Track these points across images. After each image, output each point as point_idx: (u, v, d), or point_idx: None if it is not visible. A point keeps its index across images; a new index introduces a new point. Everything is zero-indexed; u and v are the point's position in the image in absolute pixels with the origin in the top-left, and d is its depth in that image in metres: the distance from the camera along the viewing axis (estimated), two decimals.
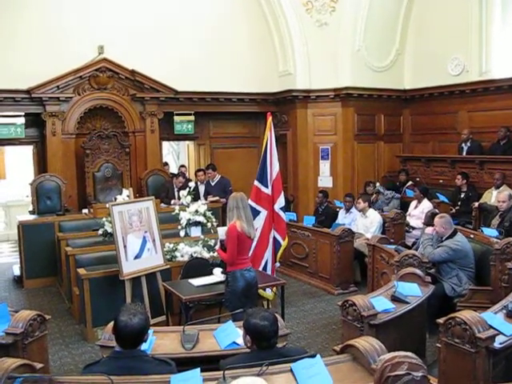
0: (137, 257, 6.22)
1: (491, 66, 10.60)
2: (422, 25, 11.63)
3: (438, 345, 3.93)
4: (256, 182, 7.10)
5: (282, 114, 12.07)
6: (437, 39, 11.23)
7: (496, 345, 3.65)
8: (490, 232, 7.12)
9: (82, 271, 6.46)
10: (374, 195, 10.18)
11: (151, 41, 10.66)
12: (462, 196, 9.56)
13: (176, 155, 15.33)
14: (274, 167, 7.15)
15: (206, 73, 11.12)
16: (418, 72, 11.85)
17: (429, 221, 7.20)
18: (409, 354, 2.45)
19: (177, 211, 7.71)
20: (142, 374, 3.01)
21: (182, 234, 7.49)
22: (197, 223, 7.61)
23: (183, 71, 10.87)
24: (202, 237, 7.37)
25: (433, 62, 11.32)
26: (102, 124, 10.72)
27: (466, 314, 3.74)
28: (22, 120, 10.08)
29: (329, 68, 11.25)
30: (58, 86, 9.98)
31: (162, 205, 9.22)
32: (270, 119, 7.24)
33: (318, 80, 11.37)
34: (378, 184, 10.82)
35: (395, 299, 4.87)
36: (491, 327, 3.73)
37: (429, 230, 6.78)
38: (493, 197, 8.97)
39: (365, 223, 8.98)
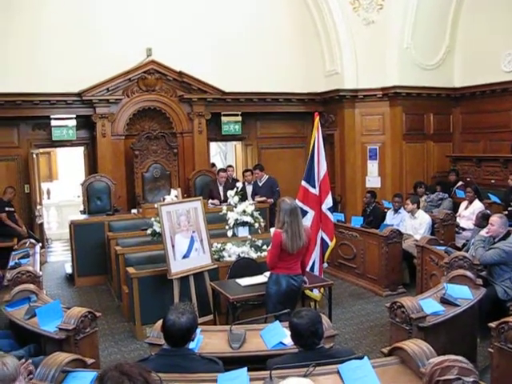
0: (185, 256, 6.29)
1: None
2: (473, 21, 11.36)
3: (490, 350, 3.85)
4: (303, 183, 7.07)
5: (329, 114, 12.00)
6: (488, 35, 10.96)
7: None
8: None
9: (131, 270, 6.58)
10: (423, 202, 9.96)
11: (198, 42, 10.78)
12: None
13: (223, 156, 15.44)
14: (321, 167, 7.10)
15: (252, 73, 11.17)
16: (468, 69, 11.59)
17: (480, 222, 7.03)
18: (459, 357, 2.40)
19: (224, 211, 7.76)
20: (190, 372, 3.06)
21: (230, 234, 7.54)
22: (244, 223, 7.64)
23: (230, 72, 10.96)
24: (250, 237, 7.40)
25: (484, 58, 11.06)
26: (151, 125, 10.88)
27: None
28: (74, 122, 10.33)
29: (376, 67, 11.12)
30: (107, 89, 10.19)
31: (210, 205, 9.28)
32: (317, 119, 7.20)
33: (366, 79, 11.27)
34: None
35: (445, 302, 4.78)
36: None
37: (482, 232, 6.61)
38: None
39: (413, 224, 8.85)
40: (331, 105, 11.96)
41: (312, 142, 7.13)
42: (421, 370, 2.94)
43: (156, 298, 6.32)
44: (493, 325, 3.80)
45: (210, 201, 9.63)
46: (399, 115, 11.41)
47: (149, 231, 7.31)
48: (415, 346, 3.15)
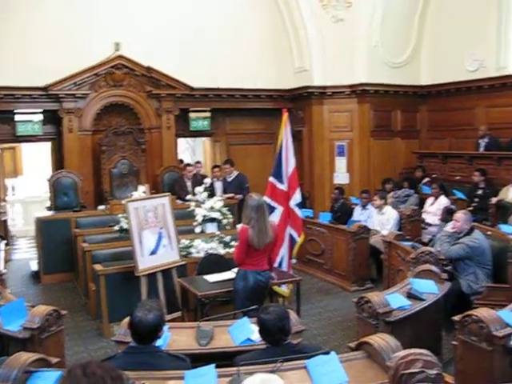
0: (152, 253, 6.24)
1: (509, 62, 10.47)
2: (439, 20, 11.55)
3: (454, 342, 3.91)
4: (271, 179, 7.08)
5: (298, 111, 12.04)
6: (454, 35, 11.15)
7: None
8: (508, 229, 7.04)
9: (98, 267, 6.51)
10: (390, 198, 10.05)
11: (167, 37, 10.67)
12: (479, 192, 9.46)
13: (192, 152, 15.37)
14: (289, 163, 7.13)
15: (221, 69, 11.14)
16: (434, 68, 11.77)
17: (446, 217, 7.14)
18: (423, 351, 2.43)
19: (192, 207, 7.73)
20: (157, 369, 3.04)
21: (198, 230, 7.52)
22: (212, 220, 7.62)
23: (199, 68, 10.88)
24: (218, 233, 7.39)
25: (450, 57, 11.24)
26: (118, 121, 10.74)
27: (482, 312, 3.71)
28: (40, 117, 10.14)
29: (345, 64, 11.19)
30: (74, 83, 10.04)
31: (178, 201, 9.23)
32: (285, 115, 7.22)
33: (334, 76, 11.31)
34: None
35: (411, 296, 4.84)
36: (508, 325, 3.70)
37: (448, 227, 6.72)
38: (510, 193, 8.88)
39: (381, 220, 8.93)
40: (300, 101, 12.00)
41: (280, 138, 7.15)
42: (387, 364, 2.97)
43: (123, 295, 6.24)
44: (457, 318, 3.86)
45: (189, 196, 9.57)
46: (367, 112, 11.51)
47: (116, 228, 7.25)
48: (382, 340, 3.18)
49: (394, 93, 11.68)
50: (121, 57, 10.33)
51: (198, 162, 11.51)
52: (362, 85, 11.21)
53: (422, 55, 11.95)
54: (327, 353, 3.10)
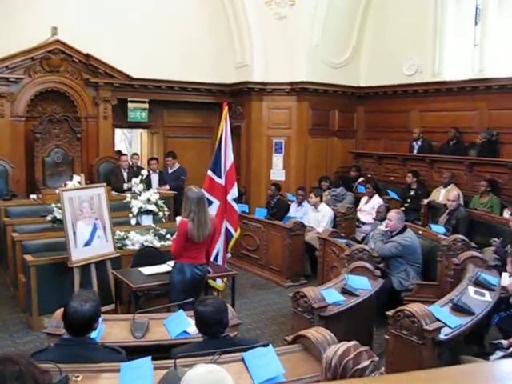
0: (86, 244, 6.11)
1: (443, 68, 10.83)
2: (380, 23, 11.80)
3: (387, 336, 4.01)
4: (209, 172, 7.05)
5: (237, 106, 12.01)
6: (393, 39, 11.41)
7: (442, 336, 3.75)
8: (438, 229, 7.30)
9: (28, 258, 6.28)
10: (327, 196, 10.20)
11: (107, 25, 10.35)
12: (412, 193, 9.75)
13: (128, 143, 15.10)
14: (228, 158, 7.12)
15: (162, 61, 10.90)
16: (373, 70, 12.01)
17: (381, 216, 7.32)
18: (354, 342, 2.48)
19: (128, 199, 7.60)
20: (91, 361, 2.97)
21: (133, 222, 7.40)
22: (148, 212, 7.52)
23: (139, 58, 10.62)
24: (154, 226, 7.30)
25: (388, 60, 11.49)
26: (54, 108, 10.39)
27: (414, 307, 3.82)
28: None
29: (286, 62, 11.23)
30: (7, 67, 9.63)
31: (113, 192, 9.06)
32: (225, 109, 7.20)
33: (275, 73, 11.35)
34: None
35: (345, 292, 4.94)
36: (438, 320, 3.83)
37: (381, 226, 6.89)
38: (441, 195, 9.19)
39: (316, 217, 9.05)
40: (239, 97, 11.99)
41: (220, 132, 7.12)
42: (323, 357, 3.02)
43: (55, 287, 6.06)
44: (390, 313, 3.96)
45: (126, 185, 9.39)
46: (306, 110, 11.62)
47: (49, 218, 7.03)
48: (318, 333, 3.22)
49: (332, 92, 11.84)
50: (58, 42, 9.98)
51: (134, 154, 11.31)
52: (301, 83, 11.29)
53: (362, 57, 12.16)
54: (265, 345, 3.11)
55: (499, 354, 4.21)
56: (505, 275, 5.45)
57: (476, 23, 10.44)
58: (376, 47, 11.88)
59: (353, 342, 2.52)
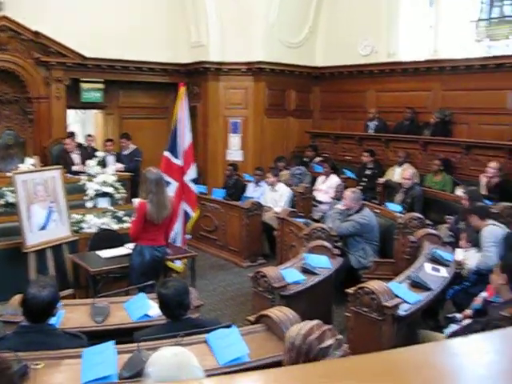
0: (42, 228, 5.96)
1: (398, 49, 10.92)
2: (335, 3, 11.79)
3: (347, 314, 4.07)
4: (166, 153, 6.98)
5: (193, 86, 11.85)
6: (349, 19, 11.42)
7: (401, 312, 3.83)
8: (394, 207, 7.43)
9: None
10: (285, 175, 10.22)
11: (58, 2, 10.07)
12: (368, 172, 9.86)
13: (82, 124, 14.77)
14: (185, 138, 7.06)
15: (116, 40, 10.58)
16: (329, 50, 12.03)
17: (340, 195, 7.39)
18: (317, 322, 2.50)
19: (84, 181, 7.46)
20: (52, 348, 2.92)
21: (89, 205, 7.27)
22: (105, 194, 7.40)
23: (93, 37, 10.25)
24: (111, 208, 7.19)
25: (344, 41, 11.51)
26: (3, 88, 10.00)
27: (373, 284, 3.88)
28: None
29: (242, 41, 11.14)
30: None
31: (68, 175, 8.86)
32: (182, 89, 7.12)
33: (231, 53, 11.25)
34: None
35: (305, 271, 4.98)
36: (396, 296, 3.91)
37: (339, 205, 6.96)
38: (396, 174, 9.34)
39: (274, 197, 9.07)
40: (196, 77, 11.85)
41: (176, 113, 7.04)
42: (286, 336, 3.04)
43: (9, 273, 5.85)
44: (350, 291, 4.02)
45: (76, 168, 9.10)
46: (262, 90, 11.59)
47: (1, 201, 6.83)
48: (280, 313, 3.25)
49: (289, 72, 11.82)
50: (5, 18, 9.55)
51: (89, 135, 11.08)
52: (258, 63, 11.23)
53: (318, 37, 12.15)
54: (228, 326, 3.12)
55: (454, 327, 4.33)
56: (458, 250, 5.60)
57: (431, 5, 10.57)
58: (332, 27, 11.88)
59: (316, 321, 2.53)
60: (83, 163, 8.53)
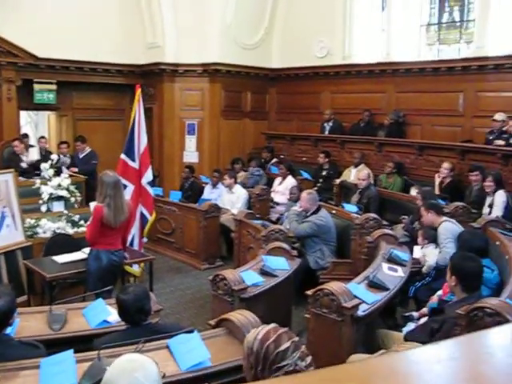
0: None
1: (353, 51, 11.12)
2: (291, 5, 11.89)
3: (307, 315, 4.09)
4: (123, 156, 6.88)
5: (149, 87, 11.75)
6: (304, 21, 11.52)
7: (359, 313, 3.88)
8: (351, 208, 7.52)
9: None
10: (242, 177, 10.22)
11: (11, 1, 9.81)
12: (324, 173, 9.97)
13: (34, 126, 14.46)
14: (142, 141, 6.98)
15: (70, 40, 10.37)
16: (285, 52, 12.11)
17: (295, 197, 7.43)
18: (274, 325, 2.51)
19: (38, 185, 7.29)
20: (8, 359, 2.82)
21: (44, 209, 7.10)
22: (59, 198, 7.24)
23: (45, 37, 10.03)
24: (66, 212, 7.04)
25: (300, 42, 11.61)
26: None
27: (333, 286, 3.92)
28: None
29: (198, 43, 11.09)
30: None
31: (21, 178, 8.66)
32: (138, 91, 7.04)
33: (187, 54, 11.19)
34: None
35: (264, 273, 4.99)
36: (355, 297, 3.96)
37: (295, 206, 7.00)
38: (352, 175, 9.46)
39: (231, 199, 9.07)
40: (151, 78, 11.75)
41: (133, 115, 6.97)
42: (244, 342, 3.04)
43: None
44: (309, 292, 4.04)
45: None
46: (218, 92, 11.58)
47: None
48: (241, 316, 3.24)
49: (245, 74, 11.85)
50: None
51: (42, 137, 10.86)
52: (214, 64, 11.22)
53: (274, 38, 12.22)
54: (190, 331, 3.10)
55: (411, 325, 4.42)
56: (416, 248, 5.72)
57: (383, 9, 10.78)
58: (288, 29, 11.97)
59: (272, 325, 2.54)
60: (34, 166, 8.33)
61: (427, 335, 3.49)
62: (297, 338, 2.52)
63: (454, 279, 3.70)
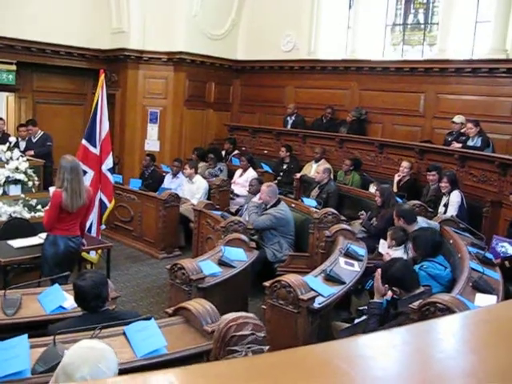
0: None
1: (319, 47, 11.21)
2: None
3: (264, 306, 4.14)
4: (84, 141, 6.81)
5: (112, 73, 11.60)
6: (272, 14, 11.55)
7: (316, 305, 3.94)
8: (310, 202, 7.59)
9: None
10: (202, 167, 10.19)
11: None
12: (285, 167, 10.04)
13: None
14: (103, 127, 6.92)
15: (33, 20, 10.13)
16: (251, 44, 12.12)
17: (254, 189, 7.46)
18: (251, 315, 2.55)
19: None
20: None
21: (0, 192, 6.97)
22: (16, 181, 7.11)
23: (6, 15, 9.82)
24: (23, 196, 6.92)
25: (266, 36, 11.64)
26: None
27: (290, 278, 3.97)
28: None
29: (164, 30, 11.01)
30: None
31: None
32: (102, 76, 6.96)
33: (152, 41, 11.10)
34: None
35: (222, 263, 5.02)
36: (312, 289, 4.02)
37: (255, 198, 7.04)
38: (313, 169, 9.54)
39: (191, 189, 9.04)
40: (115, 64, 11.59)
41: (95, 100, 6.89)
42: (204, 328, 3.07)
43: None
44: (267, 284, 4.09)
45: None
46: (182, 81, 11.52)
47: None
48: (199, 305, 3.26)
49: (210, 64, 11.82)
50: None
51: None
52: (179, 53, 11.15)
53: (241, 30, 12.22)
54: (147, 319, 3.10)
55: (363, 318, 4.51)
56: (383, 242, 5.77)
57: (350, 7, 10.89)
58: (255, 22, 11.96)
59: (248, 314, 2.59)
60: None
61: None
62: (262, 334, 2.56)
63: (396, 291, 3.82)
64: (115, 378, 1.93)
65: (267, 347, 2.43)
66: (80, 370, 2.01)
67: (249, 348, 2.45)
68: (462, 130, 8.37)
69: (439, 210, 7.07)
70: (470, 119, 8.18)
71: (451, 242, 5.27)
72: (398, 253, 5.58)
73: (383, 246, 5.75)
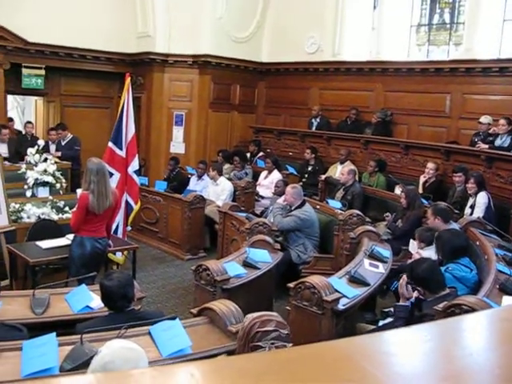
0: None
1: (343, 49, 11.16)
2: (284, 0, 11.89)
3: (288, 308, 4.15)
4: (110, 144, 6.89)
5: (138, 77, 11.72)
6: (296, 16, 11.53)
7: (340, 306, 3.94)
8: (335, 204, 7.58)
9: None
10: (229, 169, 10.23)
11: None
12: (310, 169, 10.03)
13: (21, 111, 14.36)
14: (129, 130, 6.99)
15: (60, 26, 10.31)
16: (276, 46, 12.12)
17: (279, 191, 7.47)
18: (275, 313, 2.57)
19: (24, 170, 7.27)
20: None
21: (29, 194, 7.09)
22: (45, 183, 7.23)
23: (36, 21, 9.99)
24: (51, 198, 7.03)
25: (291, 37, 11.63)
26: None
27: (314, 279, 3.97)
28: None
29: (189, 34, 11.08)
30: None
31: (6, 163, 8.61)
32: (128, 80, 7.04)
33: (178, 45, 11.19)
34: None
35: (247, 265, 5.03)
36: (336, 291, 4.02)
37: (280, 200, 7.04)
38: (338, 171, 9.52)
39: (216, 190, 9.08)
40: (141, 67, 11.71)
41: (122, 103, 6.97)
42: (229, 329, 3.10)
43: None
44: (291, 285, 4.10)
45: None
46: (207, 84, 11.58)
47: None
48: (223, 305, 3.29)
49: (235, 67, 11.86)
50: None
51: (28, 122, 10.78)
52: (204, 56, 11.22)
53: (265, 33, 12.23)
54: (172, 319, 3.14)
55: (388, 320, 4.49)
56: (412, 242, 5.72)
57: (374, 8, 10.84)
58: (279, 24, 11.97)
59: (272, 313, 2.61)
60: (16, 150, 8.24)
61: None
62: (286, 331, 2.57)
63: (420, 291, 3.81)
64: (142, 369, 1.98)
65: (290, 344, 2.45)
66: (121, 369, 2.07)
67: (272, 344, 2.47)
68: (490, 131, 8.26)
69: (465, 212, 6.99)
70: (503, 115, 8.03)
71: (477, 243, 5.21)
72: (429, 252, 5.53)
73: (413, 247, 5.70)
